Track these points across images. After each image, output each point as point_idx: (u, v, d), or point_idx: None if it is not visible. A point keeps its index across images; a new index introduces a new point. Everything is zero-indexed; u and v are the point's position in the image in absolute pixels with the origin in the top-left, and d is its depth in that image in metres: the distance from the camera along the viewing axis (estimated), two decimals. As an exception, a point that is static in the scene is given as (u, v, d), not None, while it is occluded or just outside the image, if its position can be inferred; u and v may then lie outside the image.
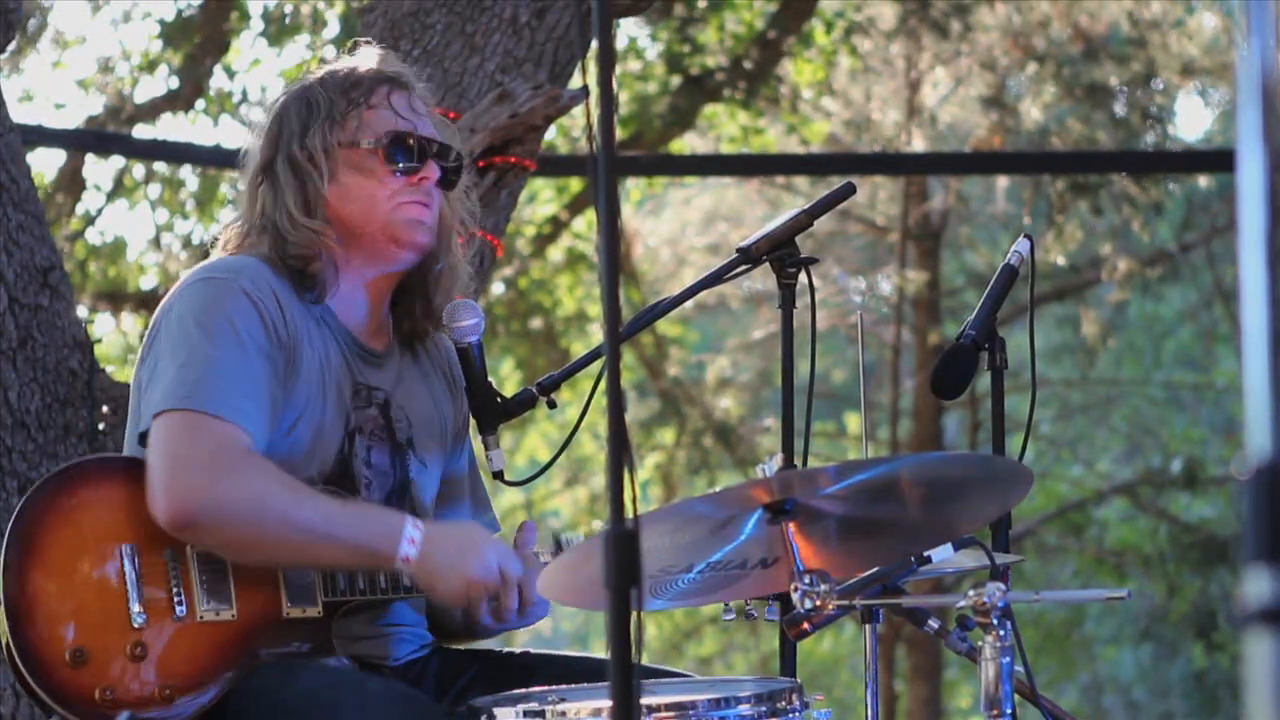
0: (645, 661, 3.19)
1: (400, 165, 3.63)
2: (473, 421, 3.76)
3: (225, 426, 3.42)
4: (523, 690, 3.30)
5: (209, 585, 3.44)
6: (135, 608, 3.39)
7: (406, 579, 3.52)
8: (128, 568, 3.41)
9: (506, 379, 13.36)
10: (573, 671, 3.54)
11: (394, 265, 3.67)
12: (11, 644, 3.34)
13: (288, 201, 3.60)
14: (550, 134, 6.44)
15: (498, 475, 3.76)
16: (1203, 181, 14.34)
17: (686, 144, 12.97)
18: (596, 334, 13.00)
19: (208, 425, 3.41)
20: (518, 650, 3.78)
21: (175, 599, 3.41)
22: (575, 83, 5.73)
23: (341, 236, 3.62)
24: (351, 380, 3.64)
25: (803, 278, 3.73)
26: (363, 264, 3.65)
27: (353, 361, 3.65)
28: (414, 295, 3.73)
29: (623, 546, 2.13)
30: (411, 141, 3.65)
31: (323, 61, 3.84)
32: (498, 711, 3.15)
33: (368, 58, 3.75)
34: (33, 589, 3.37)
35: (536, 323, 13.33)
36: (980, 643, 3.10)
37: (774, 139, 13.03)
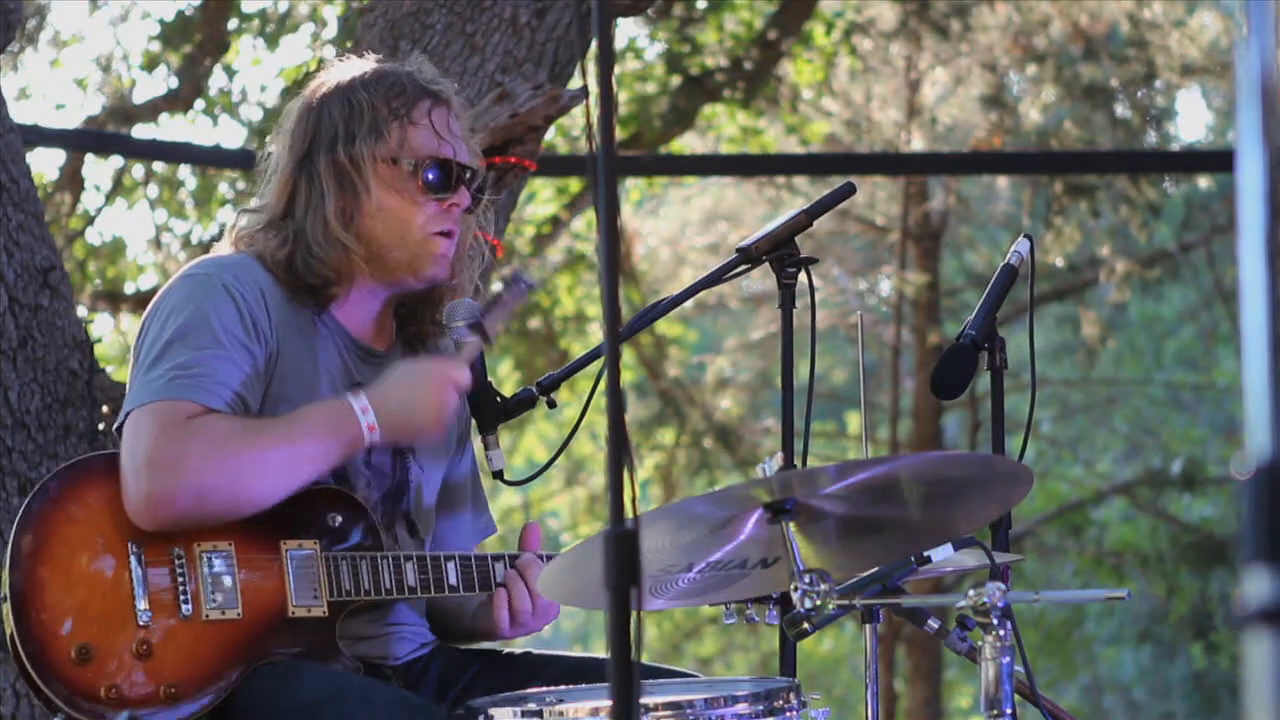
0: (645, 662, 3.19)
1: (436, 192, 3.63)
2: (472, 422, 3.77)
3: (180, 406, 3.40)
4: (521, 691, 3.30)
5: (215, 584, 3.43)
6: (141, 605, 3.38)
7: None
8: (134, 565, 3.40)
9: (506, 379, 13.34)
10: (576, 672, 3.54)
11: (407, 289, 3.68)
12: (17, 640, 3.34)
13: (328, 208, 3.57)
14: (550, 134, 6.43)
15: (497, 475, 3.75)
16: (1203, 182, 14.33)
17: (686, 144, 12.96)
18: (596, 334, 12.99)
19: (164, 411, 3.40)
20: (519, 650, 3.78)
21: (181, 597, 3.41)
22: (575, 83, 5.73)
23: (367, 254, 3.61)
24: (349, 381, 3.63)
25: (802, 278, 3.73)
26: (377, 282, 3.65)
27: (350, 361, 3.65)
28: (422, 304, 3.73)
29: (623, 546, 2.13)
30: (450, 168, 3.64)
31: (324, 62, 3.82)
32: (495, 712, 3.15)
33: (410, 63, 3.73)
34: (39, 585, 3.37)
35: (535, 323, 13.32)
36: (980, 643, 3.10)
37: (774, 139, 13.02)
